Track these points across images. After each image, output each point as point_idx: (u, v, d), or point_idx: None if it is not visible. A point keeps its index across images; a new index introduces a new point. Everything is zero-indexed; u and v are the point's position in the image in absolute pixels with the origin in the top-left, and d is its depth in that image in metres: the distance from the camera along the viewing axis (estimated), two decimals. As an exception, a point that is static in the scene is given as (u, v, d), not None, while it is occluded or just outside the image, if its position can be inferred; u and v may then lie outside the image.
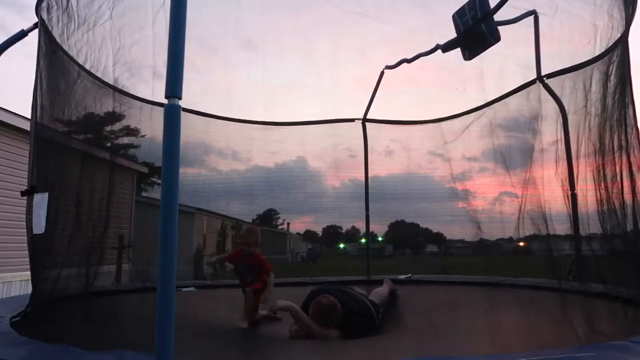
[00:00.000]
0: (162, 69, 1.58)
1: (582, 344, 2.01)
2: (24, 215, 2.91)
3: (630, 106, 2.77)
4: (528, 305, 3.36)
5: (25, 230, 2.89)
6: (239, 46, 5.07)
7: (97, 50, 3.18)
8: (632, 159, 2.70)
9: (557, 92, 3.94)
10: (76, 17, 3.02)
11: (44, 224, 2.69)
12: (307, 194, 6.63)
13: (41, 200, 2.72)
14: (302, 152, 6.13)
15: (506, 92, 4.64)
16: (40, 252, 2.87)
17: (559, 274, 3.49)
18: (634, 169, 2.68)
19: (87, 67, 3.29)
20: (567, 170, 3.56)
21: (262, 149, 5.92)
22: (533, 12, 3.97)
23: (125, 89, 4.03)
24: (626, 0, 2.82)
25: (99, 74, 3.42)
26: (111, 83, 3.62)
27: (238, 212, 6.85)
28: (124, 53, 3.21)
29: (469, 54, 3.98)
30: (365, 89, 5.77)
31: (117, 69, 3.37)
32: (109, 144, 3.88)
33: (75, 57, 3.18)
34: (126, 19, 3.12)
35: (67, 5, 2.99)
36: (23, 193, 2.89)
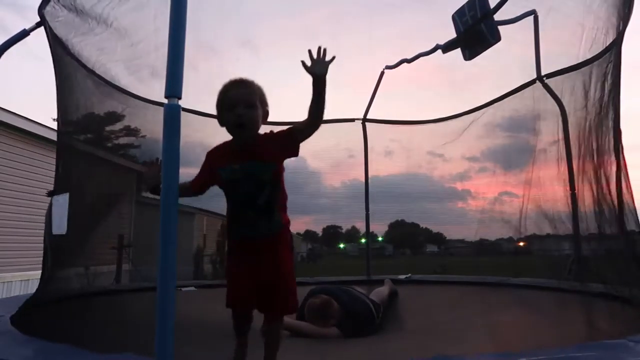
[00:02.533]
0: (162, 69, 1.58)
1: (582, 343, 2.01)
2: (24, 215, 2.92)
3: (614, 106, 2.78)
4: (528, 305, 3.35)
5: (24, 231, 2.90)
6: (238, 46, 5.08)
7: (99, 51, 3.19)
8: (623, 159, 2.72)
9: (557, 92, 3.95)
10: (81, 18, 3.03)
11: (65, 224, 2.69)
12: (307, 194, 6.63)
13: (63, 200, 2.73)
14: (302, 152, 6.10)
15: (506, 92, 4.64)
16: (55, 252, 2.88)
17: (559, 274, 3.49)
18: (623, 169, 2.69)
19: (89, 66, 3.31)
20: (567, 170, 3.57)
21: (262, 149, 5.91)
22: (533, 12, 3.97)
23: (126, 89, 4.04)
24: (623, 1, 2.83)
25: (100, 74, 3.43)
26: (112, 82, 3.63)
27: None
28: (125, 53, 3.22)
29: (469, 54, 3.98)
30: (365, 89, 5.79)
31: (118, 68, 3.38)
32: (109, 144, 3.88)
33: (77, 57, 3.19)
34: (128, 20, 3.13)
35: (72, 7, 3.00)
36: (49, 193, 2.89)
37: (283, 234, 1.87)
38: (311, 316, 3.12)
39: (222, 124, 1.89)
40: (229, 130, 1.86)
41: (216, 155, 1.91)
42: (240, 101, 1.82)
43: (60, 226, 2.69)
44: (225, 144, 1.91)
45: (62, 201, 2.71)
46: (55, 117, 3.19)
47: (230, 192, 1.87)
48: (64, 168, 3.08)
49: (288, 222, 1.91)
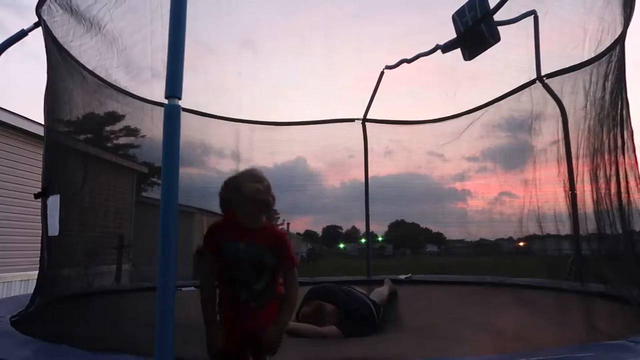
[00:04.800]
0: (162, 70, 1.58)
1: (582, 343, 2.01)
2: (24, 215, 2.92)
3: (625, 106, 2.77)
4: (528, 305, 3.35)
5: (24, 231, 2.90)
6: (238, 46, 5.08)
7: (98, 52, 3.19)
8: (626, 159, 2.71)
9: (557, 92, 3.95)
10: (77, 19, 3.03)
11: (57, 226, 2.68)
12: (307, 194, 6.63)
13: (54, 202, 2.71)
14: (302, 152, 6.13)
15: (506, 92, 4.64)
16: (49, 253, 2.87)
17: (559, 274, 3.49)
18: (628, 168, 2.69)
19: (88, 67, 3.30)
20: (567, 170, 3.57)
21: (262, 149, 5.91)
22: (533, 13, 3.97)
23: (125, 90, 4.04)
24: (624, 1, 2.83)
25: (99, 74, 3.42)
26: (112, 83, 3.62)
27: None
28: (124, 54, 3.22)
29: (469, 55, 3.98)
30: (365, 89, 5.78)
31: (118, 69, 3.38)
32: (109, 144, 3.87)
33: (76, 58, 3.19)
34: (126, 21, 3.13)
35: (67, 7, 3.00)
36: (36, 195, 2.86)
37: (273, 301, 1.80)
38: (308, 322, 3.12)
39: (232, 197, 1.76)
40: (242, 200, 1.74)
41: (222, 228, 1.80)
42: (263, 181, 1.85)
43: (53, 227, 2.68)
44: (230, 219, 1.78)
45: (54, 202, 2.69)
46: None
47: (228, 268, 1.77)
48: (59, 168, 3.07)
49: (280, 291, 1.82)
